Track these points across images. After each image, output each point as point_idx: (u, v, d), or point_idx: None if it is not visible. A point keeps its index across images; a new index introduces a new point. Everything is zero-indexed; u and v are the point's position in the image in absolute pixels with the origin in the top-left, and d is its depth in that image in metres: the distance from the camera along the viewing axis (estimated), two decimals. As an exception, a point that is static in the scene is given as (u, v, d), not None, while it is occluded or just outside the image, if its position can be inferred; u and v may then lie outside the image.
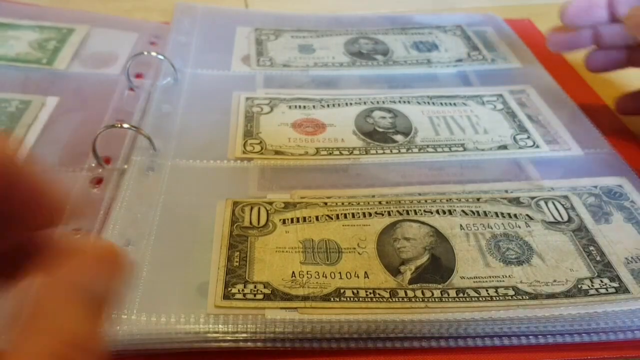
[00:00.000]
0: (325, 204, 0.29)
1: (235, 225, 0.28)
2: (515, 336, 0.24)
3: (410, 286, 0.25)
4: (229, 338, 0.23)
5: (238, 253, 0.26)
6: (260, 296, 0.24)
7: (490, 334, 0.24)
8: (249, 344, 0.23)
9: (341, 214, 0.29)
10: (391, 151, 0.34)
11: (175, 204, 0.29)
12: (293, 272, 0.25)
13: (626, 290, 0.25)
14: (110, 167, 0.32)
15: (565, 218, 0.29)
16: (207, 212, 0.29)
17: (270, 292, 0.24)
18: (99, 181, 0.32)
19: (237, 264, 0.25)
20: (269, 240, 0.27)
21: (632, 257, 0.27)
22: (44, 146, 0.34)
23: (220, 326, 0.23)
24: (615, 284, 0.26)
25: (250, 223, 0.28)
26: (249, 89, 0.40)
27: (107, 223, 0.28)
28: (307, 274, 0.25)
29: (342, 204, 0.30)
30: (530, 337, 0.24)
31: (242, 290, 0.24)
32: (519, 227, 0.28)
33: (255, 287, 0.24)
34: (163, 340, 0.23)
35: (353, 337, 0.23)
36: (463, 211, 0.29)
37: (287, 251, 0.26)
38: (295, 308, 0.24)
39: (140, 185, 0.30)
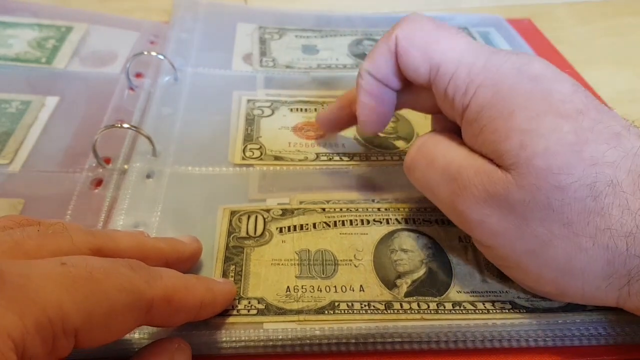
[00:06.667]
0: (324, 209, 0.29)
1: (231, 236, 0.27)
2: (515, 339, 0.24)
3: (406, 299, 0.25)
4: (226, 346, 0.23)
5: (233, 267, 0.26)
6: (254, 312, 0.24)
7: (489, 337, 0.24)
8: (250, 350, 0.23)
9: (339, 221, 0.29)
10: (392, 158, 0.34)
11: (175, 213, 0.29)
12: (288, 287, 0.25)
13: None
14: (110, 167, 0.32)
15: None
16: (207, 221, 0.28)
17: (264, 307, 0.24)
18: (99, 182, 0.32)
19: (232, 278, 0.25)
20: (265, 251, 0.27)
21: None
22: (45, 147, 0.34)
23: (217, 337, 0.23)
24: None
25: (247, 233, 0.28)
26: (249, 89, 0.39)
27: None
28: (302, 288, 0.25)
29: (341, 209, 0.29)
30: (529, 340, 0.24)
31: (236, 306, 0.24)
32: (519, 239, 0.28)
33: (249, 302, 0.24)
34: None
35: (351, 342, 0.23)
36: (463, 221, 0.29)
37: (282, 264, 0.26)
38: (290, 322, 0.23)
39: (139, 194, 0.30)
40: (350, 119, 0.31)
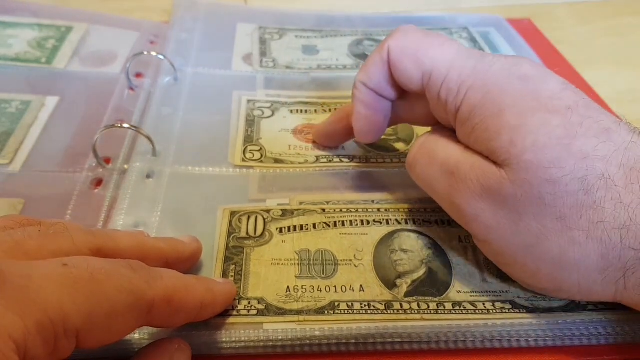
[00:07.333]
0: (324, 210, 0.29)
1: (231, 236, 0.27)
2: (515, 339, 0.24)
3: (406, 299, 0.25)
4: (226, 346, 0.23)
5: (233, 267, 0.26)
6: (254, 312, 0.24)
7: (489, 337, 0.24)
8: (250, 351, 0.23)
9: (339, 221, 0.29)
10: (392, 160, 0.34)
11: (175, 213, 0.29)
12: (288, 287, 0.25)
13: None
14: (110, 167, 0.33)
15: None
16: (207, 221, 0.28)
17: (264, 307, 0.24)
18: (99, 182, 0.32)
19: (232, 279, 0.25)
20: (265, 251, 0.27)
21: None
22: (45, 147, 0.34)
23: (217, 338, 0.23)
24: None
25: (247, 233, 0.28)
26: (249, 89, 0.39)
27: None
28: (302, 288, 0.25)
29: (341, 210, 0.29)
30: (529, 340, 0.24)
31: (236, 306, 0.24)
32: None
33: (249, 302, 0.24)
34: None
35: (351, 342, 0.23)
36: (463, 221, 0.29)
37: (282, 264, 0.26)
38: (290, 322, 0.23)
39: (139, 194, 0.30)
40: (347, 132, 0.32)
